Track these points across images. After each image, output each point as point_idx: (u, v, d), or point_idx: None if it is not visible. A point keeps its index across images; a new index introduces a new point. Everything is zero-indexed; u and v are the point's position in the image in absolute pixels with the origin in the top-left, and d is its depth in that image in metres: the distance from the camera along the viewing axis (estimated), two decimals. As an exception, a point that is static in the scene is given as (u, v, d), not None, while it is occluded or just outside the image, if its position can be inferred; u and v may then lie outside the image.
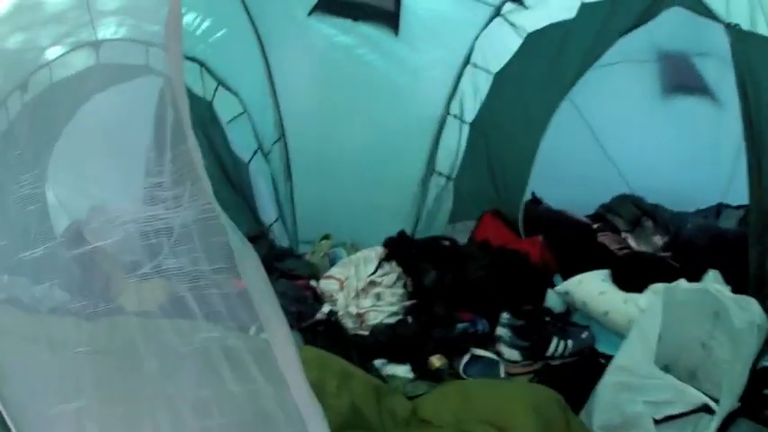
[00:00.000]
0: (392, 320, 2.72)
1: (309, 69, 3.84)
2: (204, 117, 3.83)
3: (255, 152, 4.03)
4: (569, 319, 2.74)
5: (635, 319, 2.31)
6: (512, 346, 2.56)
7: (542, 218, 3.29)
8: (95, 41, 3.72)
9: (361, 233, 3.65)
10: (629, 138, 3.78)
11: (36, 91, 3.43)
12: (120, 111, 3.89)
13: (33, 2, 3.41)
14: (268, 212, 4.13)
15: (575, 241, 3.13)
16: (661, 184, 3.64)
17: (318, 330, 2.69)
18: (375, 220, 3.68)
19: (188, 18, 3.52)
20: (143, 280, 3.57)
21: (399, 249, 3.07)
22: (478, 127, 3.73)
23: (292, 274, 3.23)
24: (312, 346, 2.34)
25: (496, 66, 3.61)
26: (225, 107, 3.86)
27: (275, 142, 4.01)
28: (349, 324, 2.77)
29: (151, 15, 3.61)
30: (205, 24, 3.61)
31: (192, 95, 3.78)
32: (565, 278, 2.90)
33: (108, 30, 3.65)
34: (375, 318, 2.74)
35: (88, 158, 4.03)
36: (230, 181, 4.01)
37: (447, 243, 3.17)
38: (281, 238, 4.11)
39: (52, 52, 3.46)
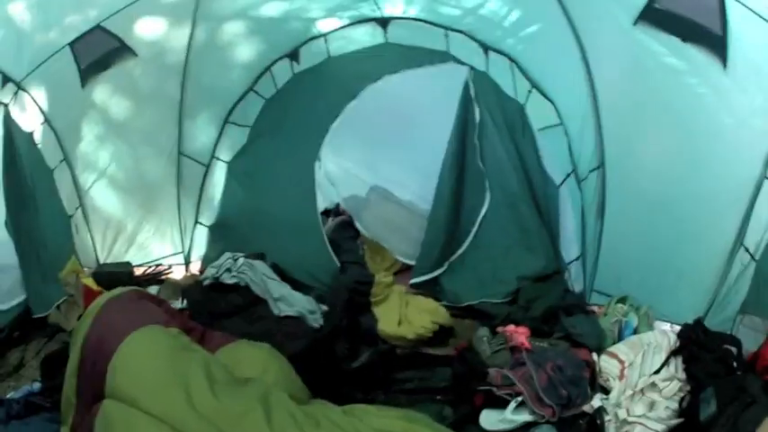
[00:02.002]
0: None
1: (634, 89, 3.08)
2: (514, 122, 3.49)
3: (568, 175, 3.44)
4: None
5: None
6: None
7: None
8: (381, 18, 3.65)
9: (656, 294, 3.21)
10: None
11: (311, 62, 3.82)
12: (414, 96, 3.82)
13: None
14: (570, 248, 3.58)
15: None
16: None
17: (578, 423, 2.53)
18: (673, 284, 3.19)
19: (493, 6, 3.25)
20: (416, 293, 3.70)
21: (691, 344, 2.78)
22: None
23: (576, 342, 2.99)
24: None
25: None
26: (536, 113, 3.43)
27: (593, 170, 3.32)
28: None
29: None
30: (514, 15, 3.25)
31: (502, 95, 3.52)
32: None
33: (394, 7, 3.61)
34: (639, 437, 2.46)
35: (372, 142, 4.14)
36: (535, 201, 3.60)
37: (733, 352, 2.72)
38: (575, 281, 3.55)
39: (326, 25, 3.70)
